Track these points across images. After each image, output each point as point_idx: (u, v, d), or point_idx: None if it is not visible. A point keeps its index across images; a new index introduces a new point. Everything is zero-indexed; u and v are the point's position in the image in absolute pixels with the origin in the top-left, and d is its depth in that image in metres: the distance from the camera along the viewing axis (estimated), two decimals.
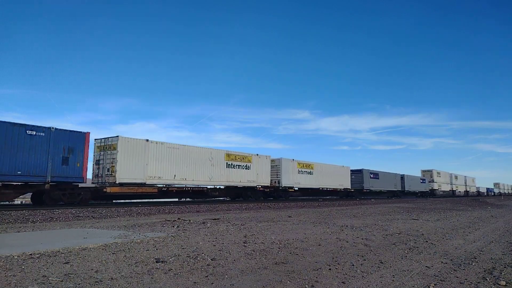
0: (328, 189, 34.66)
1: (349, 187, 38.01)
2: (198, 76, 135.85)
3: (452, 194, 69.39)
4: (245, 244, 6.39)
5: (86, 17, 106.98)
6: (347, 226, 9.94)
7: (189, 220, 10.84)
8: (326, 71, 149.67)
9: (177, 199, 24.94)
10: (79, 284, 3.73)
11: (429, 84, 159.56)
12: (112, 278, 3.97)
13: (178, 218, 11.53)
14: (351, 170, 38.89)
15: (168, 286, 3.80)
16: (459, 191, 74.29)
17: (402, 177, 52.13)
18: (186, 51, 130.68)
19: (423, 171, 62.81)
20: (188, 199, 25.38)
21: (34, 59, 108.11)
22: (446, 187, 67.41)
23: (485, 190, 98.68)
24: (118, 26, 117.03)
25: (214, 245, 6.21)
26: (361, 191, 40.70)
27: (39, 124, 15.94)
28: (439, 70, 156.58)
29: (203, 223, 10.08)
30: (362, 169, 40.68)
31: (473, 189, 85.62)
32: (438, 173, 64.43)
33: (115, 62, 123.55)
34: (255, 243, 6.54)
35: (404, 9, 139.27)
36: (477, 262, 5.59)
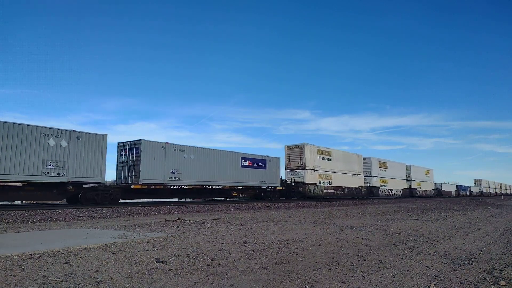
0: None
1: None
2: (198, 76, 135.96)
3: (367, 193, 40.77)
4: (245, 244, 6.38)
5: (85, 17, 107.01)
6: (347, 226, 9.94)
7: (189, 220, 10.84)
8: (326, 71, 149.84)
9: (177, 199, 24.98)
10: (79, 284, 3.73)
11: (429, 84, 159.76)
12: (112, 278, 3.97)
13: (178, 218, 11.53)
14: None
15: (168, 286, 3.80)
16: (390, 189, 45.69)
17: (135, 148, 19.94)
18: (187, 50, 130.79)
19: (289, 148, 32.61)
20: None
21: (34, 59, 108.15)
22: (351, 181, 37.46)
23: (453, 189, 73.48)
24: (118, 25, 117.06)
25: (214, 245, 6.21)
26: None
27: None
28: (439, 70, 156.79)
29: (203, 223, 10.08)
30: None
31: (427, 186, 59.12)
32: (325, 152, 34.02)
33: (115, 61, 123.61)
34: (255, 243, 6.54)
35: (404, 9, 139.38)
36: (477, 262, 5.59)
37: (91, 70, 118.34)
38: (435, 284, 4.21)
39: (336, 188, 35.36)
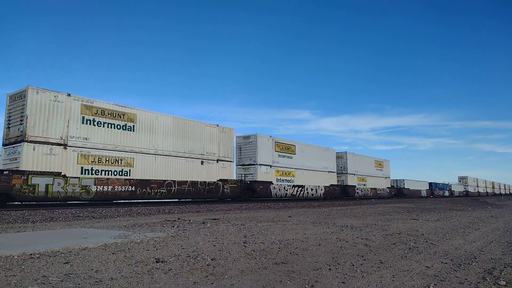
0: None
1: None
2: (199, 76, 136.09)
3: (242, 191, 24.34)
4: (245, 244, 6.39)
5: (85, 17, 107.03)
6: (347, 226, 9.94)
7: (189, 220, 10.84)
8: (327, 71, 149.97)
9: (177, 199, 24.84)
10: (79, 284, 3.73)
11: (430, 84, 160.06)
12: (112, 278, 3.97)
13: (178, 218, 11.53)
14: None
15: (168, 286, 3.80)
16: (298, 186, 29.27)
17: None
18: (186, 50, 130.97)
19: (11, 98, 15.05)
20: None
21: (33, 59, 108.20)
22: (201, 173, 21.49)
23: (424, 187, 57.42)
24: (118, 25, 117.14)
25: (214, 245, 6.21)
26: None
27: None
28: (440, 70, 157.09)
29: (203, 223, 10.08)
30: None
31: (377, 183, 42.48)
32: (111, 113, 16.96)
33: (115, 61, 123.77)
34: (255, 243, 6.54)
35: (405, 9, 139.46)
36: (477, 262, 5.59)
37: (91, 70, 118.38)
38: (435, 284, 4.21)
39: (141, 182, 18.04)
